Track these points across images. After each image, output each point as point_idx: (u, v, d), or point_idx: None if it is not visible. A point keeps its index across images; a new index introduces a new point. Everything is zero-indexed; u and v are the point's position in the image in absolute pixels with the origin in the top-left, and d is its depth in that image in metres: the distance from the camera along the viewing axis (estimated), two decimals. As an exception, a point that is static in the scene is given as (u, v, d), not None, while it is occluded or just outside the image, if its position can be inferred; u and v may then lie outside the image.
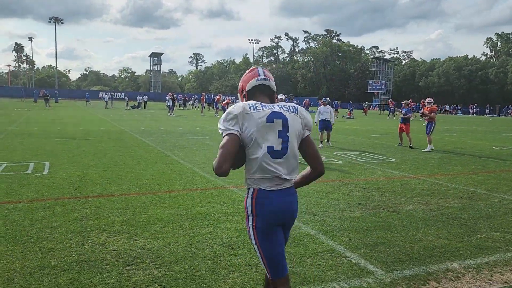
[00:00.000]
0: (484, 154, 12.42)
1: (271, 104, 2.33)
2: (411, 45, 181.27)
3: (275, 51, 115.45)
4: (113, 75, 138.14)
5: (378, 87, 76.49)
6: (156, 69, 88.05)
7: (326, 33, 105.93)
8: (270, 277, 2.29)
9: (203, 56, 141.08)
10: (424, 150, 12.64)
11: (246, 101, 2.36)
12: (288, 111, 2.32)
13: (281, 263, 2.28)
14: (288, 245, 4.21)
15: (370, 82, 78.51)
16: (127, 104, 45.01)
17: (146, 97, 47.70)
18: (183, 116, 31.24)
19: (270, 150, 2.21)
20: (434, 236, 4.67)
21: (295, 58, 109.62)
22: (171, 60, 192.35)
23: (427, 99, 13.67)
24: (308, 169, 2.42)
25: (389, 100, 48.20)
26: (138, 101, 45.19)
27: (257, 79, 2.38)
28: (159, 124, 21.18)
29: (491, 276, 3.68)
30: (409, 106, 14.71)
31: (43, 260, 3.63)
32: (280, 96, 14.16)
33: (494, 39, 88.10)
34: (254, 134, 2.20)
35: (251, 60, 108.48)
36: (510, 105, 61.54)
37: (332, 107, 16.33)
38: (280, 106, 2.33)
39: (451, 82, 73.23)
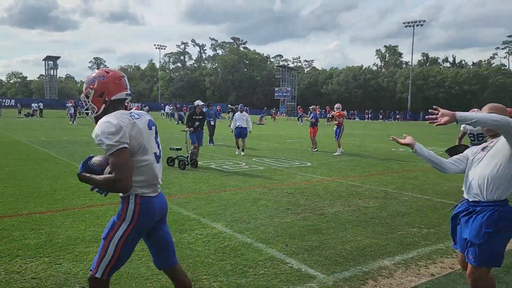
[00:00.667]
0: (386, 156, 13.53)
1: (139, 112, 2.41)
2: (312, 55, 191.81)
3: (182, 57, 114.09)
4: (0, 80, 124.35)
5: (284, 94, 79.63)
6: (52, 73, 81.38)
7: (232, 41, 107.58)
8: (105, 277, 2.30)
9: (105, 61, 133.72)
10: (335, 154, 13.36)
11: (104, 107, 2.33)
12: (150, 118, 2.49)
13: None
14: (227, 256, 4.11)
15: (276, 89, 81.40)
16: (20, 112, 40.95)
17: (42, 104, 43.72)
18: (86, 124, 29.20)
19: (156, 155, 2.38)
20: (362, 236, 4.90)
21: (203, 64, 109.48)
22: (69, 65, 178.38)
23: (336, 105, 14.52)
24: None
25: (298, 107, 50.59)
26: (32, 108, 41.25)
27: (126, 94, 2.41)
28: (61, 134, 19.51)
29: (419, 270, 3.96)
30: (316, 111, 15.48)
31: None
32: (198, 102, 13.60)
33: (383, 50, 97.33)
34: (143, 141, 2.28)
35: (157, 66, 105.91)
36: (397, 111, 68.43)
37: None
38: (146, 114, 2.48)
39: (350, 90, 79.11)
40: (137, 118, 2.30)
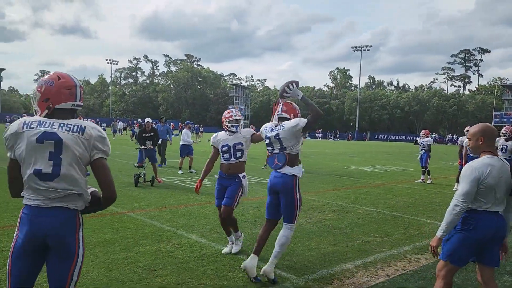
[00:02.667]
0: (339, 173, 14.37)
1: (51, 122, 2.22)
2: (266, 74, 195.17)
3: (134, 73, 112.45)
4: None
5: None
6: (-5, 85, 77.27)
7: (186, 58, 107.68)
8: None
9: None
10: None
11: (47, 113, 2.25)
12: (69, 131, 2.20)
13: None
14: (207, 262, 4.46)
15: (229, 107, 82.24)
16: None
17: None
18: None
19: (37, 172, 2.14)
20: (325, 244, 5.43)
21: (156, 81, 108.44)
22: (13, 77, 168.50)
23: None
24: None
25: (251, 126, 51.60)
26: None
27: (72, 105, 2.29)
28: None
29: (376, 272, 4.52)
30: None
31: None
32: (148, 119, 13.37)
33: (335, 72, 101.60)
34: (23, 154, 2.16)
35: (108, 81, 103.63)
36: (348, 132, 71.76)
37: (193, 131, 15.52)
38: (61, 125, 2.21)
39: (302, 111, 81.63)
40: (31, 128, 2.18)
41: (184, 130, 13.23)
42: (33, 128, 2.17)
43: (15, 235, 2.18)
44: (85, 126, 2.23)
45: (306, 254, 4.96)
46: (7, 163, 2.25)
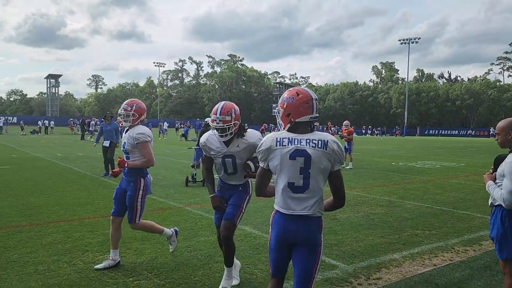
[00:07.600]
0: (387, 169, 14.31)
1: (299, 138, 2.47)
2: (313, 71, 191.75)
3: (180, 75, 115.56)
4: (0, 98, 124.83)
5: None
6: (54, 91, 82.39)
7: (229, 58, 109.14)
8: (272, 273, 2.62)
9: (103, 78, 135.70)
10: (347, 168, 14.07)
11: (289, 126, 2.52)
12: (315, 147, 2.44)
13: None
14: (261, 251, 4.84)
15: (274, 105, 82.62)
16: (23, 129, 40.96)
17: (53, 122, 44.71)
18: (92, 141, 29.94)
19: (291, 185, 2.44)
20: (373, 236, 5.65)
21: (202, 81, 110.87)
22: (71, 82, 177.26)
23: (344, 122, 15.38)
24: (331, 198, 2.61)
25: None
26: (40, 125, 42.20)
27: (310, 118, 2.52)
28: (75, 150, 20.24)
29: (423, 261, 4.70)
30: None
31: (46, 280, 3.78)
32: (208, 119, 13.57)
33: (379, 67, 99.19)
34: (278, 167, 2.47)
35: (156, 83, 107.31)
36: (397, 126, 69.76)
37: None
38: (308, 141, 2.45)
39: (345, 106, 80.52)
40: (283, 146, 2.46)
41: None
42: (285, 145, 2.45)
43: (270, 232, 2.59)
44: (327, 141, 2.45)
45: (354, 245, 5.21)
46: (259, 171, 2.60)
